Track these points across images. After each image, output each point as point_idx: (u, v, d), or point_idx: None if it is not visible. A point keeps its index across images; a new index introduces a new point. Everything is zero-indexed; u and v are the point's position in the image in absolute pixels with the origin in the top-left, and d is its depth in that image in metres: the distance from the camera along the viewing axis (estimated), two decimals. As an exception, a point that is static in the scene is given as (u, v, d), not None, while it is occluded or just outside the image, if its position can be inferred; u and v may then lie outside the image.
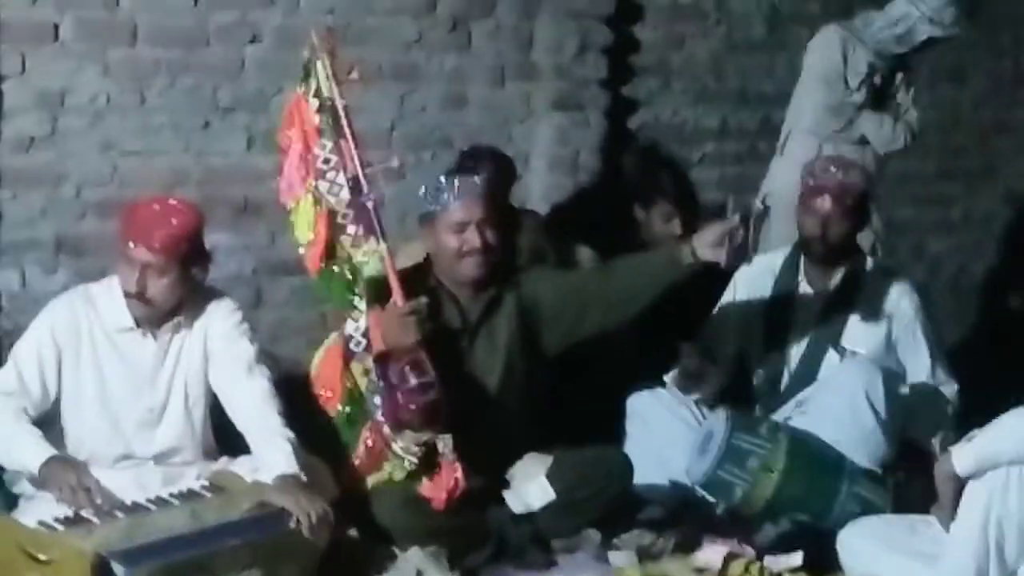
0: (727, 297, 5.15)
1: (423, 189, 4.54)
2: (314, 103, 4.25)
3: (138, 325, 4.22)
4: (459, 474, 4.28)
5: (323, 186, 4.27)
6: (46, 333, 4.19)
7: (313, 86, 4.25)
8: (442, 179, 4.54)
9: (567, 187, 5.97)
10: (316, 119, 4.25)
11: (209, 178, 5.29)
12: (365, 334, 4.30)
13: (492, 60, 5.82)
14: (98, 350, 4.21)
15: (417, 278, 4.45)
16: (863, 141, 5.80)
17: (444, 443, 4.30)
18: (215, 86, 5.28)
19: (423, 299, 4.31)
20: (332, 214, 4.28)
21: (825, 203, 4.94)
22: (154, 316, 4.20)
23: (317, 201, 4.27)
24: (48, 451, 4.03)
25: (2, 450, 4.09)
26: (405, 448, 4.31)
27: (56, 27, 5.01)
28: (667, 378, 5.03)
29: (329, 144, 4.26)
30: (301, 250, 4.37)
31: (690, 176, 6.24)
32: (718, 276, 4.85)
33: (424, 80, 5.68)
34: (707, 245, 4.36)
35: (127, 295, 4.16)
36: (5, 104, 4.96)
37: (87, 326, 4.21)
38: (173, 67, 5.19)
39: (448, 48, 5.71)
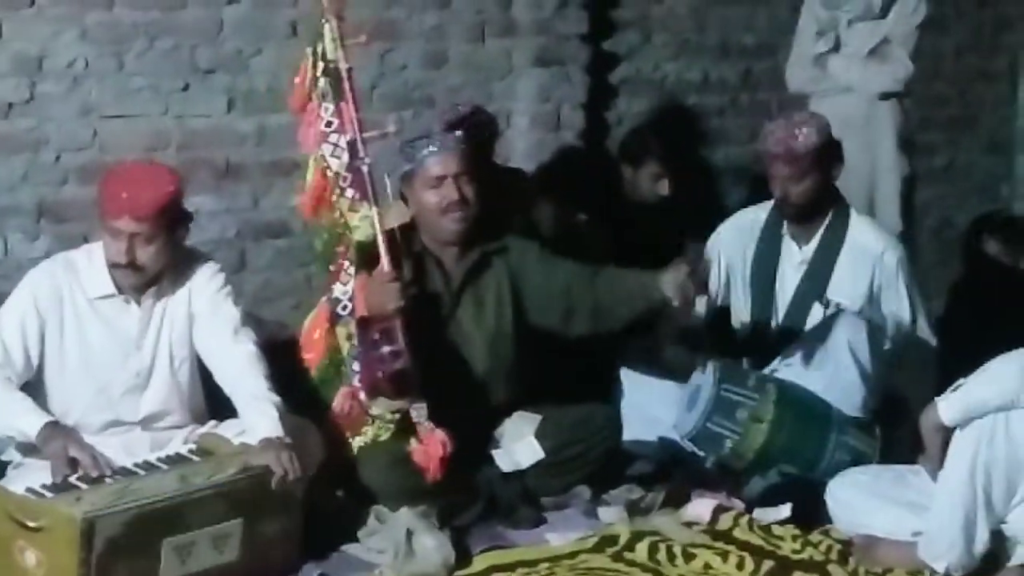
0: (710, 252, 5.10)
1: (401, 147, 4.52)
2: (319, 66, 4.23)
3: (120, 292, 4.20)
4: (443, 439, 4.26)
5: (326, 148, 4.28)
6: (28, 303, 4.16)
7: (320, 48, 4.23)
8: (419, 137, 4.53)
9: (550, 143, 5.95)
10: (320, 82, 4.24)
11: (190, 141, 5.26)
12: (352, 298, 4.30)
13: (472, 17, 5.79)
14: (81, 318, 4.19)
15: (402, 242, 4.41)
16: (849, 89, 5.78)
17: (418, 412, 4.29)
18: (193, 48, 5.24)
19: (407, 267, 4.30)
20: (334, 176, 4.28)
21: (779, 168, 4.87)
22: (140, 283, 4.18)
23: (317, 161, 4.29)
24: (44, 417, 4.02)
25: None
26: (380, 415, 4.32)
27: (33, -9, 4.97)
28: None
29: (331, 107, 4.26)
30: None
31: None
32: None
33: (404, 38, 5.65)
34: (668, 285, 4.26)
35: (116, 266, 4.13)
36: (-17, 70, 4.93)
37: (69, 294, 4.19)
38: (151, 29, 5.14)
39: (428, 5, 5.68)
